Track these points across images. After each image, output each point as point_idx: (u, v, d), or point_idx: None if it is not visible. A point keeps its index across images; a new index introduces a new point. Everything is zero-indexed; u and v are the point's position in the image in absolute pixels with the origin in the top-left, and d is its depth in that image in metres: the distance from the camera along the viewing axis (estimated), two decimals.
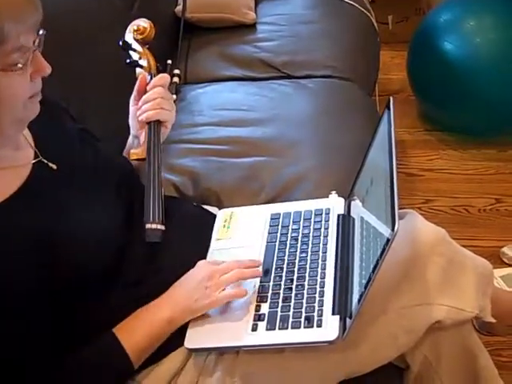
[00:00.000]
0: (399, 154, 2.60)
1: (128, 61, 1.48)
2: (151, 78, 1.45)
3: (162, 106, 1.41)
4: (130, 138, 1.51)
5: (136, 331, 1.20)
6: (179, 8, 2.49)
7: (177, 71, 2.26)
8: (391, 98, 1.28)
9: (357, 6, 2.66)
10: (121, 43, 1.48)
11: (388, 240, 1.04)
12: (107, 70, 1.87)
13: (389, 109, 1.27)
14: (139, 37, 1.50)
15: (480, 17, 2.53)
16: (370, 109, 2.26)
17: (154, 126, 1.41)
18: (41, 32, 1.10)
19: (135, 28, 1.51)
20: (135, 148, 1.45)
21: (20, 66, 1.07)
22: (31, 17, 1.07)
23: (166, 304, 1.23)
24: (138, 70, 1.48)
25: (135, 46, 1.50)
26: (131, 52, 1.49)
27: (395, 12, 3.31)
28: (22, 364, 1.11)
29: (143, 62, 1.48)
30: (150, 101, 1.41)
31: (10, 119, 1.12)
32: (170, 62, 2.21)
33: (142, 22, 1.51)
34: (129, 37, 1.51)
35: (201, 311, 1.24)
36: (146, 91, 1.43)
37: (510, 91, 2.46)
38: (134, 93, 1.46)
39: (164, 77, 1.44)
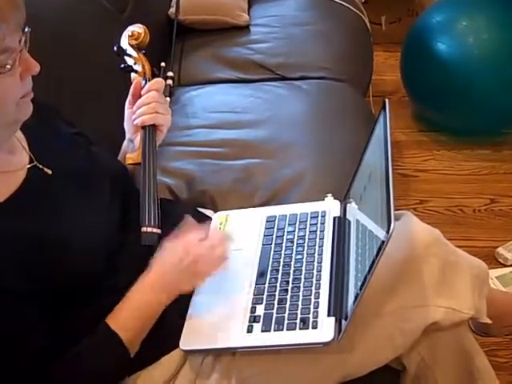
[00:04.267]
0: (394, 154, 2.58)
1: (122, 66, 1.48)
2: (146, 83, 1.45)
3: (156, 111, 1.41)
4: (125, 142, 1.51)
5: (126, 318, 1.19)
6: (172, 10, 2.49)
7: (170, 73, 2.26)
8: (387, 100, 1.28)
9: (349, 7, 2.66)
10: (115, 48, 1.48)
11: (383, 242, 1.04)
12: (101, 73, 1.87)
13: (385, 110, 1.27)
14: (134, 42, 1.51)
15: (472, 17, 2.53)
16: (364, 110, 2.26)
17: (150, 130, 1.41)
18: (26, 29, 1.10)
19: (130, 34, 1.51)
20: (130, 152, 1.45)
21: (9, 67, 1.06)
22: (15, 18, 1.06)
23: (155, 289, 1.23)
24: (132, 74, 1.48)
25: (130, 51, 1.50)
26: (126, 57, 1.50)
27: (388, 13, 3.32)
28: (21, 363, 1.11)
29: (138, 67, 1.48)
30: (144, 105, 1.41)
31: (3, 121, 1.12)
32: (163, 64, 2.22)
33: (137, 28, 1.51)
34: (124, 42, 1.51)
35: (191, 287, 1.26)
36: (140, 95, 1.43)
37: (503, 91, 2.46)
38: (129, 97, 1.46)
39: (159, 81, 1.44)
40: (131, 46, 1.50)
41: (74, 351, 1.15)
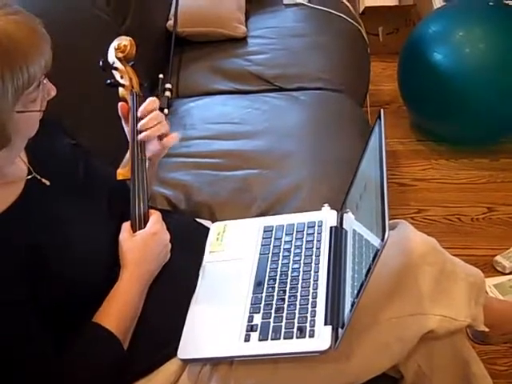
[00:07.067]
0: (392, 164, 2.61)
1: (108, 81, 1.45)
2: (134, 98, 1.42)
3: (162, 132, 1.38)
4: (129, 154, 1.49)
5: (116, 313, 1.22)
6: (170, 23, 2.50)
7: (168, 85, 2.27)
8: (382, 110, 1.29)
9: (347, 18, 2.67)
10: (101, 63, 1.45)
11: (378, 250, 1.05)
12: (99, 84, 1.87)
13: (380, 120, 1.28)
14: (121, 55, 1.47)
15: (469, 27, 2.55)
16: (362, 120, 2.27)
17: (138, 145, 1.38)
18: None
19: (116, 46, 1.48)
20: (121, 167, 1.42)
21: (39, 102, 1.11)
22: (48, 54, 1.11)
23: (140, 282, 1.26)
24: (120, 89, 1.44)
25: (117, 64, 1.47)
26: (113, 71, 1.47)
27: (385, 24, 3.33)
28: (22, 365, 1.12)
29: (125, 81, 1.44)
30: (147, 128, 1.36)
31: (22, 142, 1.17)
32: (161, 76, 2.24)
33: (123, 40, 1.48)
34: (111, 56, 1.49)
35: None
36: (130, 112, 1.40)
37: (500, 100, 2.47)
38: (122, 118, 1.43)
39: (154, 100, 1.40)
40: (118, 59, 1.47)
41: (69, 353, 1.15)
